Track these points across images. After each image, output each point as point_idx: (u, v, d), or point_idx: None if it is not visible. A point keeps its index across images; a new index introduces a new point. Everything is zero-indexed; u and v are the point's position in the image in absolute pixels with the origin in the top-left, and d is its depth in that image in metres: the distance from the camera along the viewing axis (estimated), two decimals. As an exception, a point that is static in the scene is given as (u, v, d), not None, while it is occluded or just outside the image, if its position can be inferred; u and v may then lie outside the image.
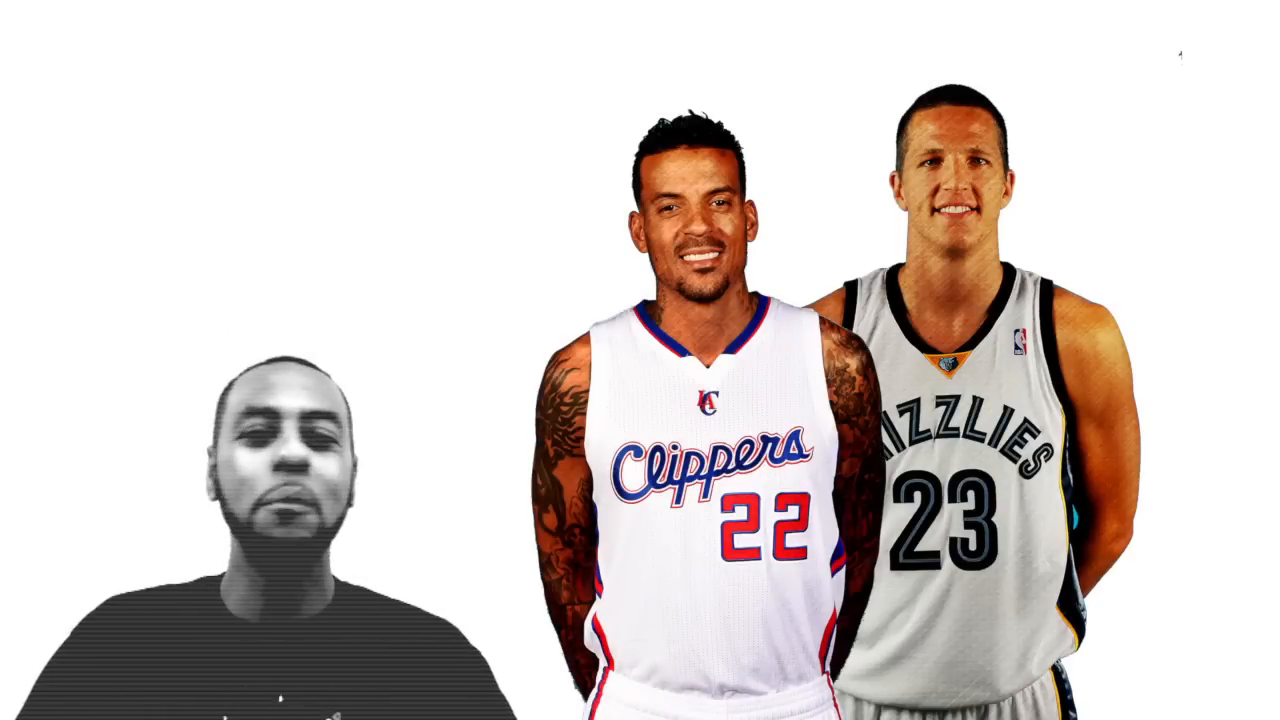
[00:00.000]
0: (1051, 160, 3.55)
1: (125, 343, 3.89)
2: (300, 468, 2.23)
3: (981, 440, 2.81)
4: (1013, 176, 2.87)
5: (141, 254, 3.94)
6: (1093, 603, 2.94)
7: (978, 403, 2.81)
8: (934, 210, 2.79)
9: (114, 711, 2.22)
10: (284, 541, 2.22)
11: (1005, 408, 2.80)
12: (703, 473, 2.45)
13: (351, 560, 2.37)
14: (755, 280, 2.55)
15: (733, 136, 2.51)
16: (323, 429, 2.27)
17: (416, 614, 2.34)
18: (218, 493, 2.28)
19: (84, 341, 3.90)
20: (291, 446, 2.24)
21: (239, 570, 2.28)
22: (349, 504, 2.30)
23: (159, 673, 2.23)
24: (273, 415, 2.26)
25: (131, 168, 3.95)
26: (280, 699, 2.22)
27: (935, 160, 2.80)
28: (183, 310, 3.92)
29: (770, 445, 2.46)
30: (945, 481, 2.82)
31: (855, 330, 2.85)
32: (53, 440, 3.90)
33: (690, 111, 2.50)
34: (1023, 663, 2.84)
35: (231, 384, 2.34)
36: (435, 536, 3.78)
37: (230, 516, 2.26)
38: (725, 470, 2.45)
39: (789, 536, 2.45)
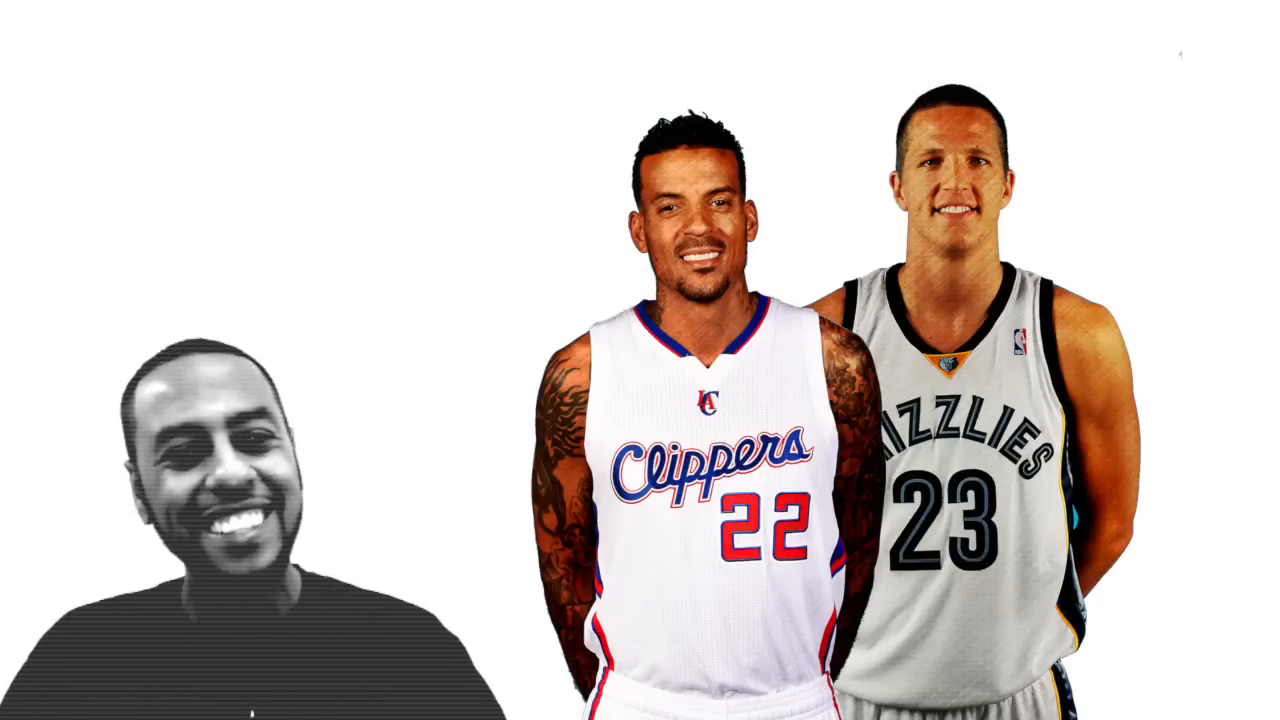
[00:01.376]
0: (1051, 160, 3.55)
1: (118, 336, 3.88)
2: (244, 489, 1.94)
3: (981, 440, 2.80)
4: (1013, 176, 2.86)
5: (137, 254, 3.94)
6: (1093, 603, 2.94)
7: (978, 403, 2.81)
8: (934, 210, 2.79)
9: None
10: (245, 576, 1.97)
11: (1005, 408, 2.80)
12: (703, 473, 2.45)
13: (354, 562, 2.36)
14: (755, 280, 2.55)
15: (733, 136, 2.50)
16: (256, 429, 1.98)
17: (390, 603, 2.16)
18: (150, 516, 2.01)
19: (80, 339, 3.90)
20: (228, 466, 1.94)
21: (195, 594, 2.05)
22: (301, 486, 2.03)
23: (128, 689, 2.03)
24: (196, 430, 1.95)
25: (133, 168, 3.95)
26: (252, 714, 2.02)
27: (935, 160, 2.80)
28: (183, 311, 3.91)
29: (770, 445, 2.46)
30: (945, 481, 2.82)
31: (855, 330, 2.85)
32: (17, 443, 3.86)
33: (690, 111, 2.50)
34: (1023, 663, 2.84)
35: (133, 388, 2.01)
36: (435, 537, 3.77)
37: (172, 541, 2.00)
38: (725, 470, 2.45)
39: (789, 536, 2.45)
